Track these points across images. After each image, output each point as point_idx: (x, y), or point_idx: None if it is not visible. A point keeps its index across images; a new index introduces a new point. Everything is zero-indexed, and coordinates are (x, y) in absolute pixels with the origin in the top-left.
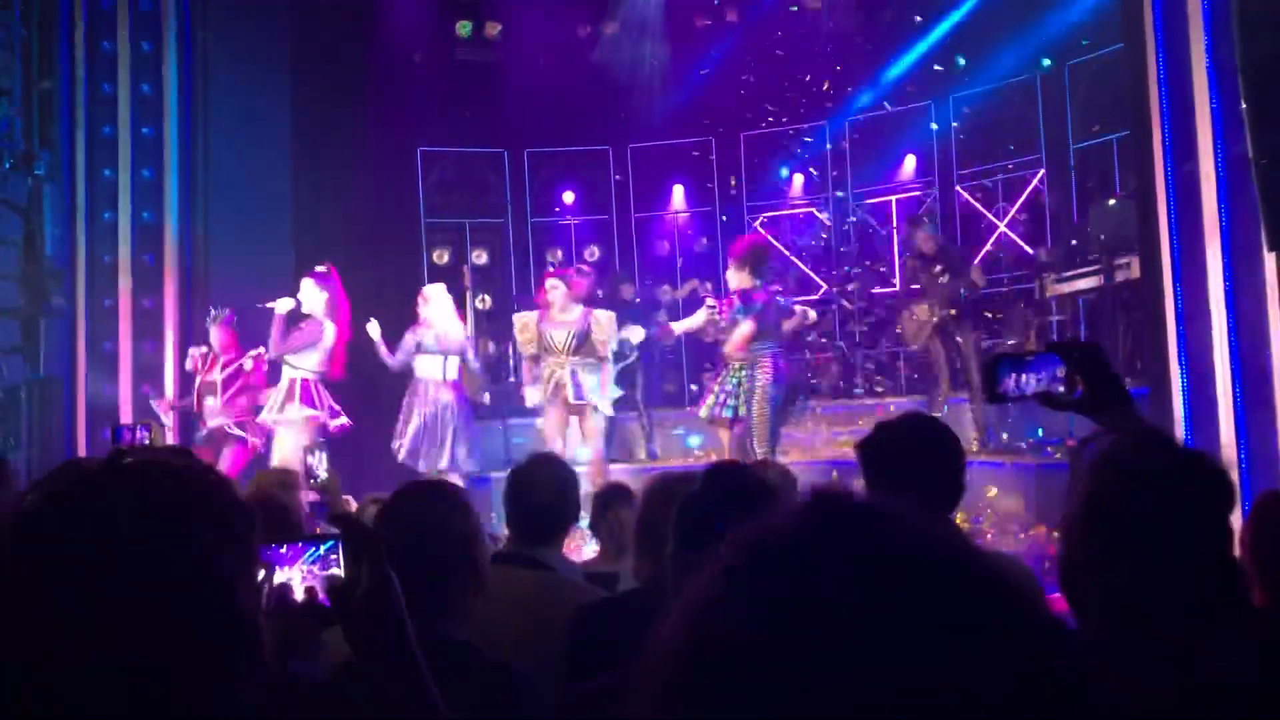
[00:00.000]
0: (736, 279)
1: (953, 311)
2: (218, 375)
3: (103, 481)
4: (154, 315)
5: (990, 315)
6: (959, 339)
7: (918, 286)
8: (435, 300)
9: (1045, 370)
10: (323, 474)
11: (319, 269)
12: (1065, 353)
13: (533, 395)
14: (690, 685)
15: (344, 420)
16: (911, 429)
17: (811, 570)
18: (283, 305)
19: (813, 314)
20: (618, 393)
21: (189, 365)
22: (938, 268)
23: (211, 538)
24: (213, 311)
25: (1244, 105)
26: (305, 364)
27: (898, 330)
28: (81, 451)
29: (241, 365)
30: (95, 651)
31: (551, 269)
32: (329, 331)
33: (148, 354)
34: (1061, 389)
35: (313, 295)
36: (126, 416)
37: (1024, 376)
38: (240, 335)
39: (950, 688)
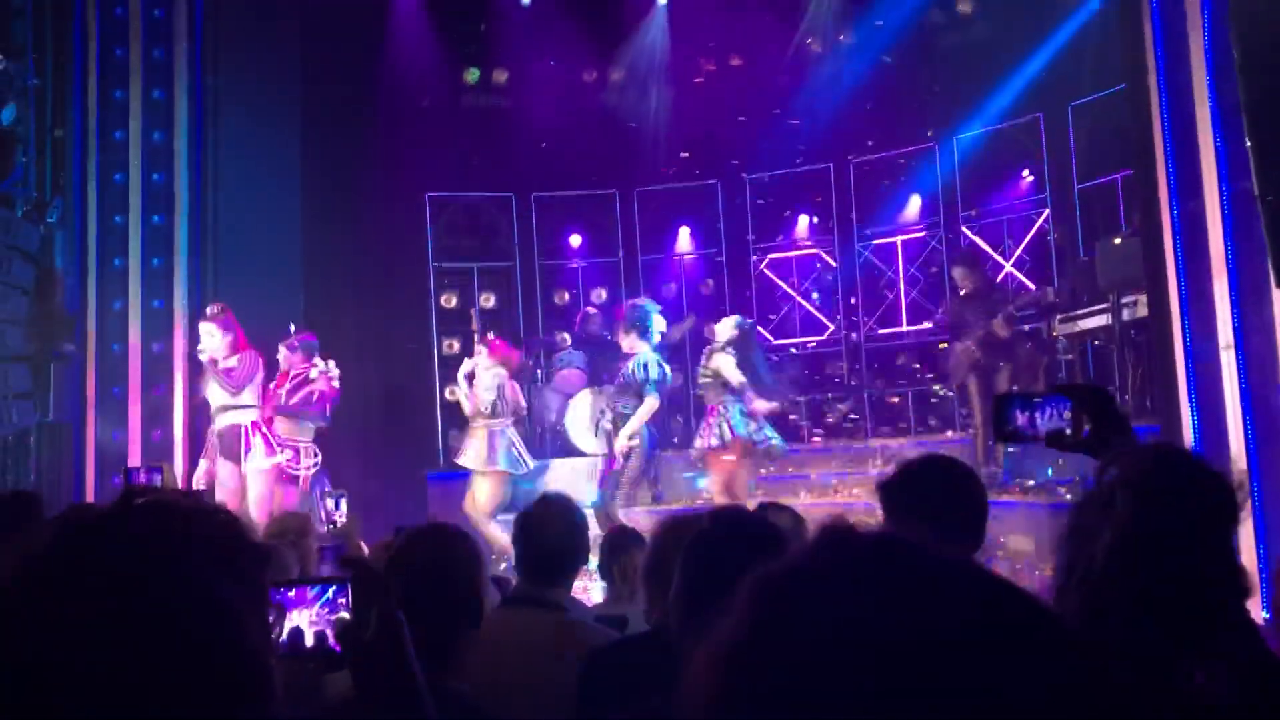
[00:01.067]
0: (625, 342)
1: (978, 354)
2: (284, 389)
3: (112, 521)
4: (163, 360)
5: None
6: (1000, 379)
7: (962, 325)
8: None
9: (1054, 410)
10: (340, 519)
11: (212, 310)
12: (1073, 393)
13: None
14: None
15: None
16: (934, 469)
17: (833, 601)
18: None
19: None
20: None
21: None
22: (980, 306)
23: (220, 575)
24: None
25: (1249, 142)
26: (245, 401)
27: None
28: (90, 496)
29: (308, 376)
30: (104, 693)
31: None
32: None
33: (156, 398)
34: (1069, 430)
35: (216, 339)
36: (136, 460)
37: (1033, 415)
38: (308, 356)
39: (987, 706)
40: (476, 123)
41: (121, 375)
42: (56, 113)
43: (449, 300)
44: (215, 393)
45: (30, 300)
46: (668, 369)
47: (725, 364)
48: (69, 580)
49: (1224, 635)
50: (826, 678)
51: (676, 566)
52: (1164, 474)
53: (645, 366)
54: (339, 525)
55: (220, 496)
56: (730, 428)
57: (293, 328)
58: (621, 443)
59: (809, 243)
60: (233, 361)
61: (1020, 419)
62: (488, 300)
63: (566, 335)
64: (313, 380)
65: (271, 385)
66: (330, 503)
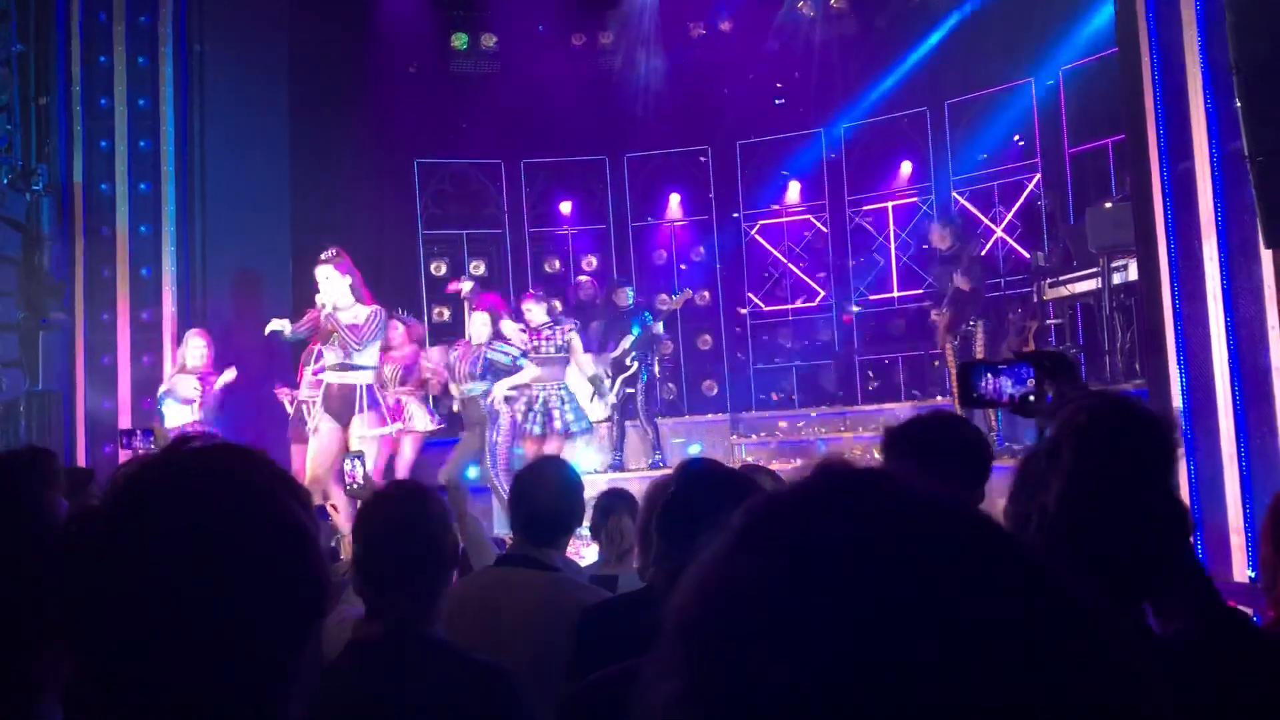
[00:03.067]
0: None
1: (945, 314)
2: (390, 369)
3: (191, 460)
4: (152, 328)
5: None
6: (975, 345)
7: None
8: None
9: (1018, 377)
10: (360, 480)
11: (328, 253)
12: (1036, 360)
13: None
14: (700, 636)
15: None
16: (940, 424)
17: (817, 521)
18: (281, 325)
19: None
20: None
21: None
22: (951, 269)
23: (294, 505)
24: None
25: (1239, 103)
26: (366, 361)
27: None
28: (81, 465)
29: (417, 363)
30: (206, 616)
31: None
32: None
33: (145, 367)
34: (1033, 396)
35: (335, 281)
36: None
37: (998, 381)
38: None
39: (960, 629)
40: (465, 88)
41: (110, 344)
42: (40, 80)
43: (438, 268)
44: (329, 349)
45: (17, 268)
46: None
47: (576, 344)
48: (162, 509)
49: (1174, 577)
50: (806, 598)
51: (654, 527)
52: (1105, 420)
53: (504, 352)
54: (358, 486)
55: (314, 450)
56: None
57: (403, 312)
58: (502, 392)
59: (800, 208)
60: (358, 314)
61: (986, 385)
62: (477, 268)
63: (558, 303)
64: (421, 370)
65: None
66: (348, 463)
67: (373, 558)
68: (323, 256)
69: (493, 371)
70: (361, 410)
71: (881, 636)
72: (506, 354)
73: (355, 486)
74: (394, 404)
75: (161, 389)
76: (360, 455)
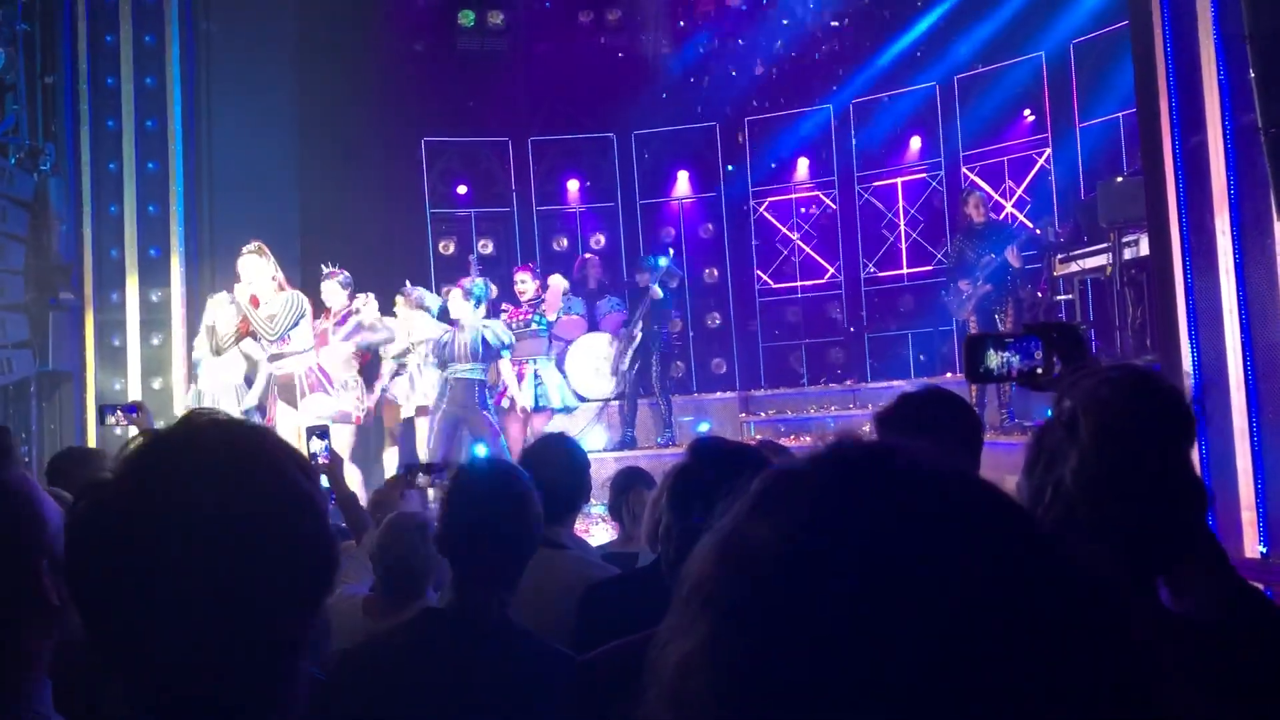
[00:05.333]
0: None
1: (988, 287)
2: (331, 323)
3: (202, 433)
4: (161, 308)
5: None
6: (998, 315)
7: (964, 264)
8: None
9: (1026, 351)
10: (323, 458)
11: (251, 246)
12: (1044, 334)
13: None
14: (716, 597)
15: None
16: (931, 400)
17: (833, 490)
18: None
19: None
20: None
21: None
22: (984, 243)
23: (300, 477)
24: (324, 269)
25: (1253, 75)
26: (300, 345)
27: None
28: (92, 445)
29: (351, 312)
30: (217, 587)
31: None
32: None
33: (155, 347)
34: (1040, 370)
35: (263, 269)
36: None
37: (1005, 356)
38: (350, 292)
39: (973, 598)
40: (472, 66)
41: (120, 324)
42: (46, 59)
43: (446, 247)
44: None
45: (26, 248)
46: (505, 335)
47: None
48: (174, 480)
49: (1190, 552)
50: (821, 564)
51: (664, 501)
52: (1126, 393)
53: (483, 337)
54: (319, 464)
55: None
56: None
57: (327, 266)
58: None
59: (809, 185)
60: (275, 304)
61: (993, 360)
62: (485, 246)
63: (565, 281)
64: (356, 312)
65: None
66: (312, 443)
67: (462, 533)
68: (245, 249)
69: (487, 352)
70: (304, 394)
71: (893, 603)
72: (497, 336)
73: (318, 464)
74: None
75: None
76: (321, 431)
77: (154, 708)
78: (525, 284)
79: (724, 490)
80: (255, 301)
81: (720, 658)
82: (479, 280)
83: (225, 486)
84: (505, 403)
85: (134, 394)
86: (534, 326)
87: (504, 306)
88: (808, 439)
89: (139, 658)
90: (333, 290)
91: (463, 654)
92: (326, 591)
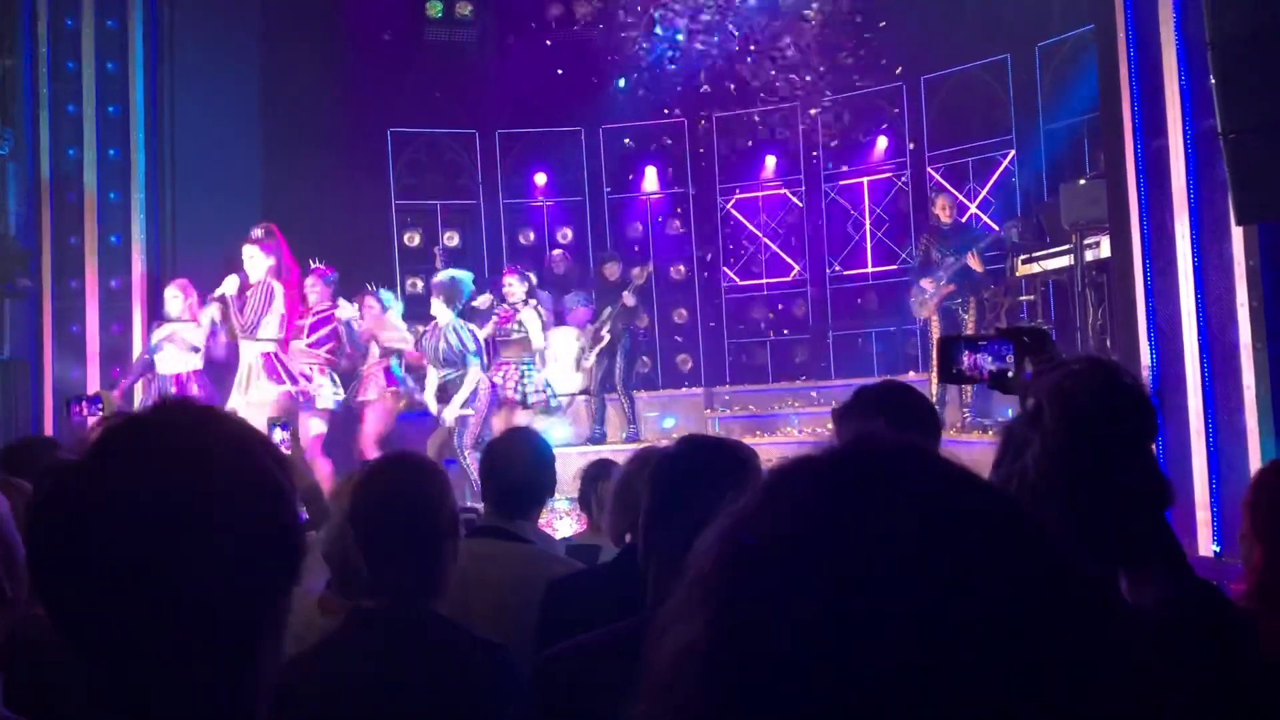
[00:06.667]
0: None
1: (951, 287)
2: (307, 320)
3: (169, 417)
4: (121, 296)
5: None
6: (961, 316)
7: (928, 263)
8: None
9: (997, 353)
10: (284, 449)
11: (257, 233)
12: (1015, 338)
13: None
14: (724, 586)
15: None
16: (886, 396)
17: (846, 483)
18: (229, 285)
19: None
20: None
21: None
22: (950, 244)
23: (269, 463)
24: (312, 263)
25: (1213, 80)
26: (265, 334)
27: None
28: (48, 434)
29: (333, 314)
30: (181, 572)
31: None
32: (279, 295)
33: (115, 335)
34: (1011, 372)
35: (259, 261)
36: None
37: (978, 358)
38: (335, 292)
39: (979, 595)
40: (440, 57)
41: (79, 311)
42: (5, 42)
43: (411, 239)
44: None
45: None
46: (479, 332)
47: (532, 322)
48: (139, 463)
49: (1151, 547)
50: (832, 558)
51: (644, 488)
52: (1089, 384)
53: (459, 335)
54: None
55: None
56: (521, 384)
57: (315, 262)
58: (454, 413)
59: (776, 183)
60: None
61: (965, 362)
62: (451, 239)
63: (533, 275)
64: (337, 320)
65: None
66: (277, 433)
67: (371, 530)
68: (254, 235)
69: (457, 355)
70: (258, 377)
71: (903, 601)
72: (459, 339)
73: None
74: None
75: (158, 337)
76: (283, 422)
77: (115, 692)
78: (512, 286)
79: (707, 483)
80: (242, 294)
81: (717, 649)
82: (386, 292)
83: (192, 469)
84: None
85: (93, 383)
86: (515, 335)
87: (496, 311)
88: (766, 436)
89: (101, 641)
90: (314, 287)
91: (390, 652)
92: (293, 578)
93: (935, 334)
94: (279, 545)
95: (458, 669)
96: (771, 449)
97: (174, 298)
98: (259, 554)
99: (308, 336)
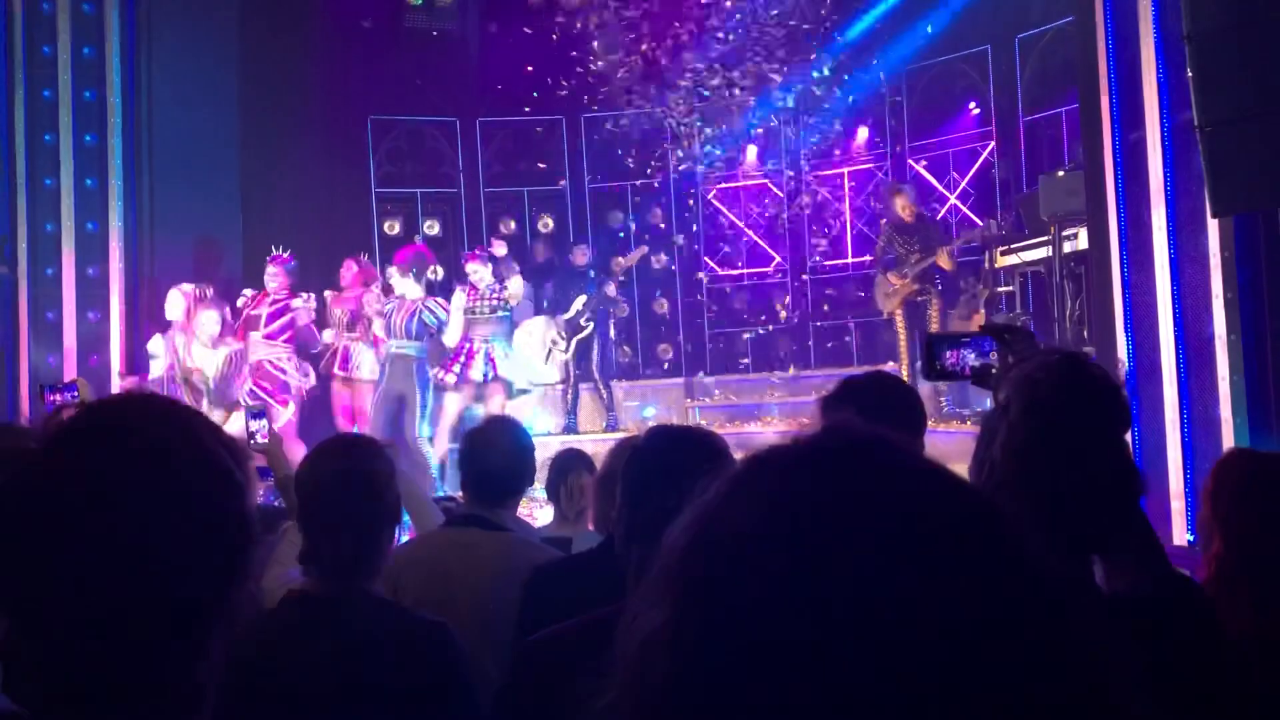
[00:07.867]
0: (400, 286)
1: (915, 286)
2: (265, 309)
3: (126, 404)
4: (98, 283)
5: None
6: (930, 312)
7: (891, 255)
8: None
9: (981, 350)
10: (261, 437)
11: (284, 255)
12: (998, 335)
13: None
14: (693, 574)
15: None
16: (876, 386)
17: (816, 477)
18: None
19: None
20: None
21: (240, 303)
22: (914, 239)
23: (221, 451)
24: (273, 250)
25: (1190, 74)
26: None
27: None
28: (25, 422)
29: (290, 304)
30: (123, 554)
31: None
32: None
33: (92, 323)
34: (994, 369)
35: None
36: None
37: (961, 354)
38: (294, 282)
39: (944, 588)
40: (420, 45)
41: (55, 299)
42: None
43: (392, 227)
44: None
45: None
46: (442, 315)
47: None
48: (90, 449)
49: (1125, 535)
50: (800, 548)
51: (619, 483)
52: (1056, 372)
53: (433, 312)
54: (257, 443)
55: None
56: (494, 364)
57: (277, 249)
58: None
59: (758, 173)
60: None
61: (949, 358)
62: (431, 227)
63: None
64: (294, 309)
65: (245, 310)
66: (254, 422)
67: (313, 509)
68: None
69: (426, 331)
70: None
71: (862, 592)
72: (434, 315)
73: (257, 442)
74: (344, 350)
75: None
76: (259, 411)
77: (66, 678)
78: (479, 273)
79: (681, 472)
80: (189, 349)
81: (680, 637)
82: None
83: (138, 454)
84: (451, 378)
85: (70, 370)
86: (499, 314)
87: (460, 287)
88: (754, 425)
89: (48, 627)
90: (274, 275)
91: (324, 631)
92: (240, 569)
93: (900, 327)
94: (223, 529)
95: (393, 647)
96: (751, 438)
97: (175, 303)
98: (200, 536)
99: (265, 326)
